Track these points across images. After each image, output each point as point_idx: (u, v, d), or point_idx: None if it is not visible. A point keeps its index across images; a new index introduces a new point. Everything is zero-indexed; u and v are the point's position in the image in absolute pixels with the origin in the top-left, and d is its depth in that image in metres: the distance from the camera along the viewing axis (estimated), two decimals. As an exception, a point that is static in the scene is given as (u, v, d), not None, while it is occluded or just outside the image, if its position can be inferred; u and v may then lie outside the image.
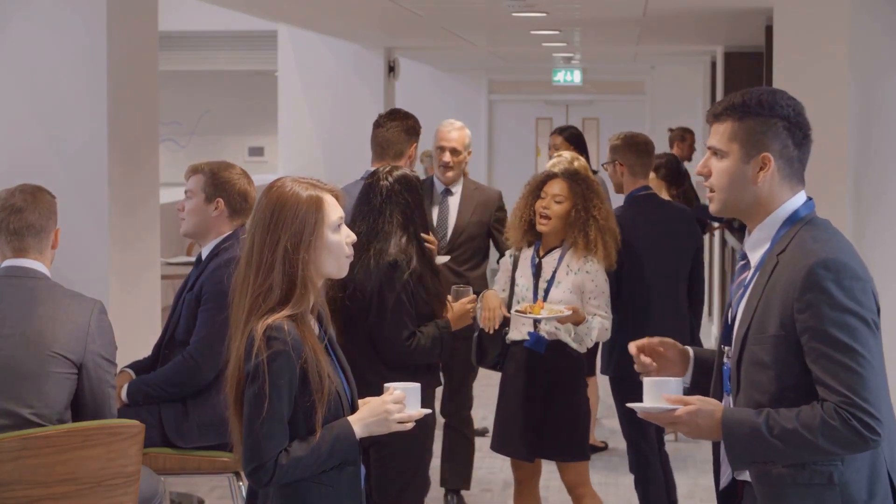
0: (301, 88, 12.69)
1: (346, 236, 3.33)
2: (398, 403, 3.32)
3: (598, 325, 5.29)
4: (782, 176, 3.07)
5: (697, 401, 3.07)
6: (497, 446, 5.48)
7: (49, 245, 4.46)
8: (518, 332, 5.41)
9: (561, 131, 8.87)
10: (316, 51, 12.60)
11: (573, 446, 5.37)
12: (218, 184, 4.97)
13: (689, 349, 3.35)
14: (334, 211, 3.31)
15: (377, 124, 6.23)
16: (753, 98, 3.08)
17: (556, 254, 5.36)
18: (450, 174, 6.59)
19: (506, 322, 5.43)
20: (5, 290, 4.35)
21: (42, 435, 4.11)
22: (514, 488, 5.61)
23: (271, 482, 3.20)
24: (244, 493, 4.87)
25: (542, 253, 5.41)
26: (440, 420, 6.55)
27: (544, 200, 5.36)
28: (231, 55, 15.50)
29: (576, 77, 17.71)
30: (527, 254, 5.44)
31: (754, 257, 3.12)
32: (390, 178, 4.93)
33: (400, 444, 4.75)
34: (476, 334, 5.56)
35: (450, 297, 5.01)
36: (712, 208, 3.18)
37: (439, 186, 6.63)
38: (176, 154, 17.26)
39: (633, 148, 6.17)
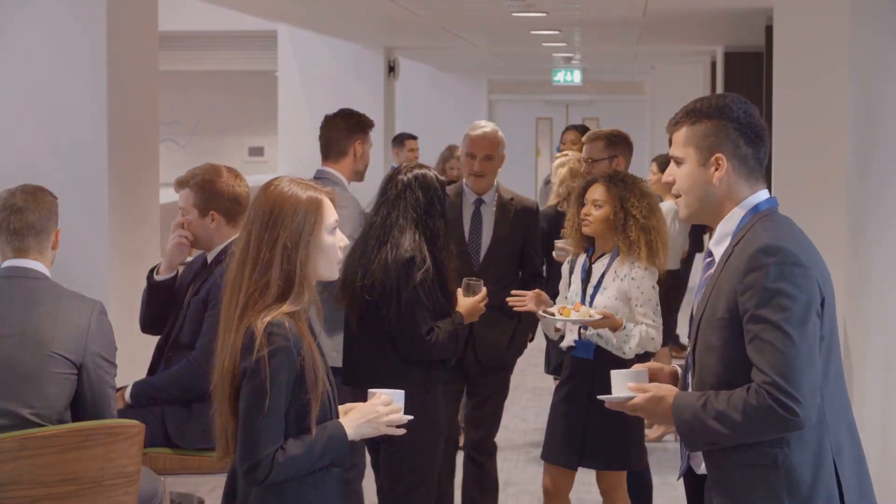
0: (301, 88, 12.69)
1: (340, 240, 3.34)
2: (386, 406, 3.34)
3: (641, 333, 5.12)
4: (738, 174, 3.17)
5: (653, 388, 3.20)
6: (544, 454, 5.39)
7: (49, 245, 4.46)
8: (567, 340, 5.35)
9: (581, 131, 8.69)
10: (316, 51, 12.61)
11: (616, 455, 5.24)
12: (208, 197, 4.98)
13: (678, 368, 3.43)
14: (331, 213, 3.32)
15: (321, 125, 6.02)
16: (705, 104, 3.21)
17: (605, 259, 5.30)
18: (482, 182, 5.92)
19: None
20: (5, 290, 4.35)
21: (42, 435, 4.11)
22: (544, 501, 5.41)
23: (267, 479, 3.17)
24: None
25: (593, 258, 5.37)
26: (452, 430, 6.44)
27: (586, 207, 5.32)
28: (231, 55, 15.50)
29: (576, 77, 17.71)
30: (581, 259, 5.41)
31: (718, 252, 3.20)
32: (409, 175, 4.96)
33: (409, 443, 4.75)
34: (546, 344, 5.57)
35: (459, 290, 5.02)
36: (681, 214, 3.28)
37: (470, 195, 5.96)
38: (176, 154, 17.26)
39: (629, 144, 6.28)
